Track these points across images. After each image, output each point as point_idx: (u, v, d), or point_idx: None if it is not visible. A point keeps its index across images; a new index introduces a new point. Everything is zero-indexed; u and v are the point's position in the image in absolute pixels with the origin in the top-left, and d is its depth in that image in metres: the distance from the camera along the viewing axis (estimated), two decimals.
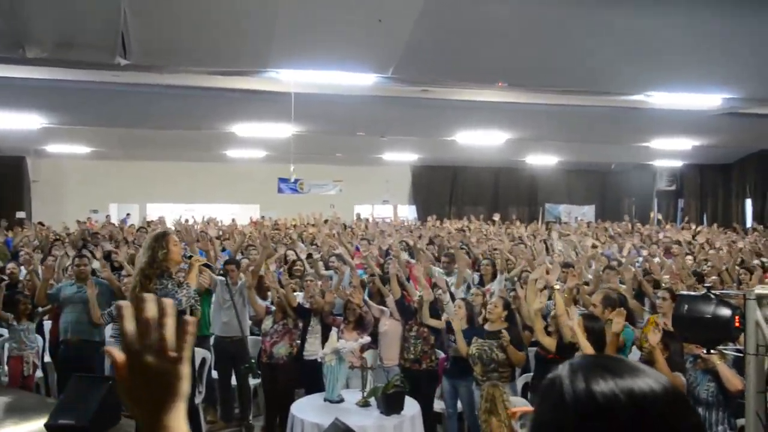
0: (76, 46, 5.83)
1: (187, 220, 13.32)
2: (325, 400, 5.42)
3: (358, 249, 9.68)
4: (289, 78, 7.70)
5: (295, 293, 6.69)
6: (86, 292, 6.30)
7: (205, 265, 5.37)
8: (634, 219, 18.11)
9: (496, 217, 15.71)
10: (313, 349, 6.22)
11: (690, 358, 4.59)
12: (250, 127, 11.84)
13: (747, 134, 13.78)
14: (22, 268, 8.22)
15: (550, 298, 5.93)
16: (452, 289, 7.18)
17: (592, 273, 8.10)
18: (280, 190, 16.02)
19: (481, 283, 7.72)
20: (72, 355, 6.28)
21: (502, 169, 21.30)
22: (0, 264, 8.67)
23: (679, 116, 11.60)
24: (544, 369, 5.36)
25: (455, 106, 11.59)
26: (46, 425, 3.68)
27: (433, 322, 6.11)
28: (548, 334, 5.43)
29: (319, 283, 6.94)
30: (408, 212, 21.20)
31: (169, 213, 16.11)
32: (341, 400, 5.41)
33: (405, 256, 8.69)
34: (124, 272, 7.19)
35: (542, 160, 18.54)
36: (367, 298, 6.61)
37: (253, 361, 6.30)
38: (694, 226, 16.33)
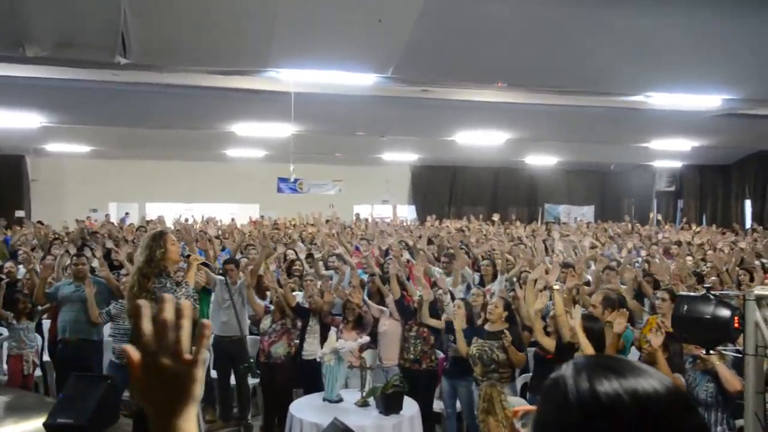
0: (76, 45, 5.82)
1: (186, 220, 13.33)
2: (324, 399, 5.42)
3: (357, 249, 9.68)
4: (289, 78, 7.70)
5: (295, 293, 6.70)
6: (84, 291, 6.30)
7: (204, 264, 5.37)
8: (634, 219, 18.12)
9: (496, 217, 15.70)
10: (311, 348, 6.22)
11: (689, 359, 4.59)
12: (249, 127, 11.82)
13: (746, 135, 13.79)
14: (21, 267, 8.22)
15: (551, 299, 5.93)
16: (449, 287, 7.17)
17: (591, 274, 8.10)
18: (279, 190, 16.00)
19: (482, 283, 7.71)
20: (70, 354, 6.28)
21: (502, 169, 21.30)
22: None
23: (678, 117, 11.60)
24: (543, 369, 5.37)
25: (455, 106, 11.59)
26: (44, 424, 3.69)
27: (433, 322, 6.11)
28: (547, 334, 5.43)
29: (319, 283, 6.94)
30: (407, 212, 21.21)
31: (168, 212, 16.10)
32: (340, 400, 5.41)
33: (407, 255, 8.70)
34: (123, 271, 7.19)
35: (542, 161, 18.54)
36: (366, 297, 6.60)
37: (252, 360, 6.30)
38: (694, 227, 16.32)
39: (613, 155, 17.76)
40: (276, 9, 5.77)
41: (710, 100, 8.74)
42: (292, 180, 14.63)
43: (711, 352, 3.87)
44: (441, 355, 6.33)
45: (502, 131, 12.54)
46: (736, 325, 3.47)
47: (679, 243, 10.94)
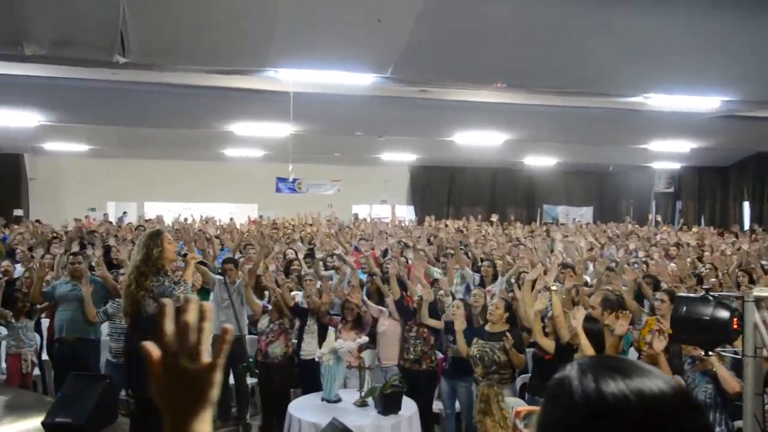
0: (75, 43, 5.82)
1: (186, 219, 13.33)
2: (323, 399, 5.42)
3: (356, 249, 9.66)
4: (288, 77, 7.70)
5: (294, 293, 6.68)
6: (81, 290, 6.29)
7: (201, 262, 5.37)
8: (632, 221, 18.13)
9: (495, 217, 15.70)
10: (309, 348, 6.20)
11: (688, 360, 4.59)
12: (248, 127, 11.81)
13: (745, 137, 13.79)
14: (17, 266, 8.21)
15: (550, 300, 5.92)
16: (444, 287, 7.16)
17: (591, 275, 8.09)
18: (278, 190, 16.03)
19: (482, 284, 7.69)
20: (67, 353, 6.27)
21: (500, 169, 21.31)
22: None
23: (677, 118, 11.61)
24: (542, 370, 5.36)
25: (454, 107, 11.59)
26: (43, 423, 3.69)
27: (432, 322, 6.10)
28: (545, 335, 5.43)
29: (319, 283, 6.93)
30: (406, 212, 21.21)
31: (166, 212, 16.12)
32: (339, 400, 5.41)
33: (410, 255, 8.68)
34: (122, 270, 7.18)
35: (540, 161, 18.54)
36: (365, 297, 6.60)
37: (251, 360, 6.29)
38: (695, 228, 16.32)
39: (612, 156, 17.77)
40: (276, 9, 5.77)
41: (709, 102, 8.75)
42: (290, 180, 14.65)
43: (710, 353, 3.86)
44: (440, 355, 6.32)
45: (501, 132, 12.54)
46: (735, 326, 3.46)
47: (678, 245, 10.94)
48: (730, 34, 6.70)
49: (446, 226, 14.95)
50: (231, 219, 15.93)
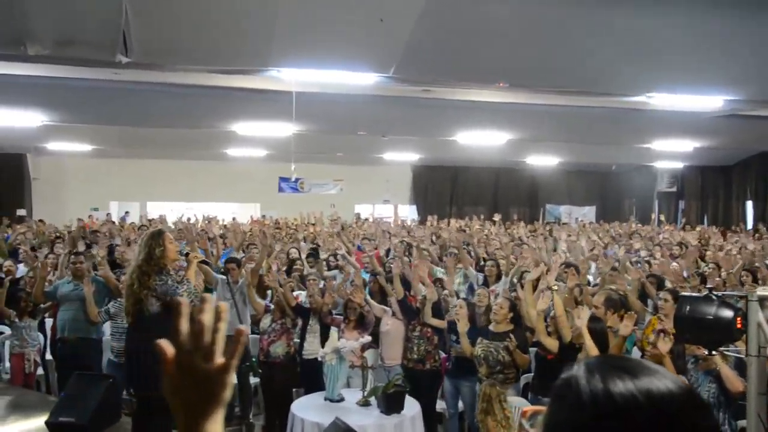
0: (77, 43, 5.82)
1: (189, 219, 13.34)
2: (326, 399, 5.42)
3: (359, 248, 9.66)
4: (290, 77, 7.70)
5: (297, 292, 6.69)
6: (83, 289, 6.29)
7: (203, 261, 5.37)
8: (635, 220, 18.12)
9: (497, 217, 15.69)
10: (312, 348, 6.20)
11: (691, 359, 4.58)
12: (251, 126, 11.82)
13: (748, 136, 13.78)
14: (20, 265, 8.21)
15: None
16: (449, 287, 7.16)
17: (594, 274, 8.07)
18: (280, 189, 15.97)
19: (486, 283, 7.69)
20: (69, 352, 6.27)
21: (503, 169, 21.30)
22: (0, 261, 8.68)
23: (680, 118, 11.60)
24: (545, 369, 5.36)
25: (456, 106, 11.59)
26: (47, 423, 3.69)
27: (435, 322, 6.10)
28: (548, 334, 5.42)
29: (322, 283, 6.93)
30: (408, 212, 21.20)
31: (169, 211, 16.12)
32: (341, 400, 5.40)
33: (414, 254, 8.67)
34: (125, 270, 7.18)
35: (543, 161, 18.53)
36: (368, 297, 6.59)
37: (254, 360, 6.30)
38: (698, 228, 16.29)
39: (615, 156, 17.76)
40: (276, 9, 5.77)
41: (712, 101, 8.73)
42: (293, 179, 14.60)
43: (713, 352, 3.85)
44: (443, 355, 6.32)
45: (503, 131, 12.54)
46: (739, 325, 3.45)
47: (681, 244, 10.92)
48: (731, 34, 6.69)
49: (449, 225, 14.93)
50: (234, 219, 15.94)
